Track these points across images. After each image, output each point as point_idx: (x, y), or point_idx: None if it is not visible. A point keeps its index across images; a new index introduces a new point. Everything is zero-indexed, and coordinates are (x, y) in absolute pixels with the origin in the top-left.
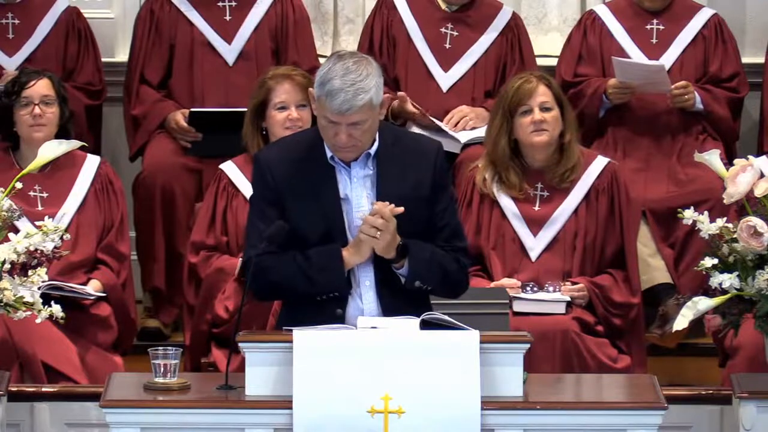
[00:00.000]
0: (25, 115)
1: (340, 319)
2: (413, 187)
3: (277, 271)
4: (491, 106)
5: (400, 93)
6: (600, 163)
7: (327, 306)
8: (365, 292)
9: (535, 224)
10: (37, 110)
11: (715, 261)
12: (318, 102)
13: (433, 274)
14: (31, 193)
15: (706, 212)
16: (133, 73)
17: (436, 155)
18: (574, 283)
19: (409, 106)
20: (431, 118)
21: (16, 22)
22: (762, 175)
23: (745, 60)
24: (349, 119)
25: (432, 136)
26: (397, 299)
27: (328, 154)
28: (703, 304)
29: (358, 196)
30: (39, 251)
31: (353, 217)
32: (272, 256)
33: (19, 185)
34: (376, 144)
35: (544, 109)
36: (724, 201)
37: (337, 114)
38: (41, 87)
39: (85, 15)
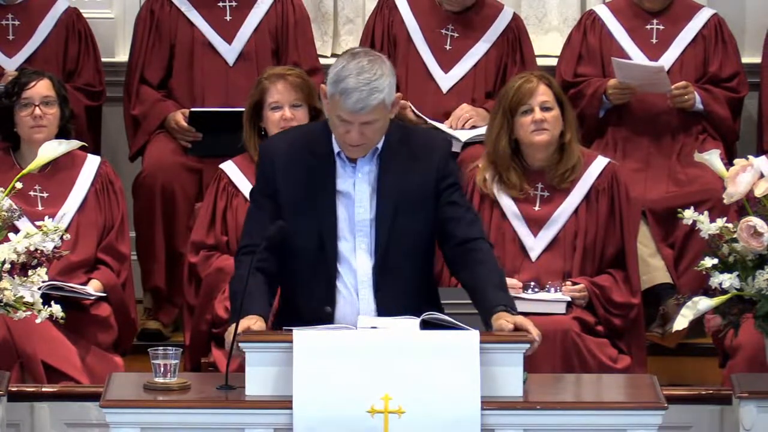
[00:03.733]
0: (25, 116)
1: (329, 318)
2: (417, 184)
3: (232, 282)
4: (492, 106)
5: (402, 101)
6: (600, 163)
7: (317, 305)
8: (363, 291)
9: (536, 224)
10: (37, 111)
11: (715, 261)
12: (331, 99)
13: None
14: (31, 193)
15: (706, 212)
16: (133, 73)
17: (442, 151)
18: (574, 283)
19: (410, 113)
20: (430, 121)
21: (17, 23)
22: (762, 175)
23: (744, 60)
24: (362, 118)
25: None
26: (396, 301)
27: (336, 149)
28: (703, 304)
29: (362, 191)
30: (39, 251)
31: (353, 212)
32: (241, 266)
33: (19, 185)
34: (382, 141)
35: (545, 108)
36: (724, 201)
37: (351, 113)
38: (41, 88)
39: (85, 15)
